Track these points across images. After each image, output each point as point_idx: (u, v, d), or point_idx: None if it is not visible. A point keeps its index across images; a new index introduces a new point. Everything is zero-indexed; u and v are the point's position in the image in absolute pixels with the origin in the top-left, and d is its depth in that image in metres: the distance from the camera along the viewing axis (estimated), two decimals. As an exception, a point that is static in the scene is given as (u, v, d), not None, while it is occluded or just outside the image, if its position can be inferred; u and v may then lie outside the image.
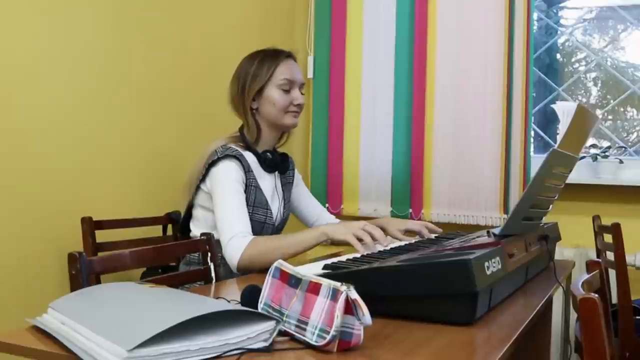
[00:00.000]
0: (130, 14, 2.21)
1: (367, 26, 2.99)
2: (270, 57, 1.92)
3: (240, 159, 1.83)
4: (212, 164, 1.82)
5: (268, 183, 1.94)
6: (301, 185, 2.17)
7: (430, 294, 1.13)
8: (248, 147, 1.91)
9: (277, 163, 1.95)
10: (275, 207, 1.95)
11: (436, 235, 2.03)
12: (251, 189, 1.85)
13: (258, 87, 1.89)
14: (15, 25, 1.83)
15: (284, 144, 2.06)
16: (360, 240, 1.64)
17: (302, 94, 1.96)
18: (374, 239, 1.66)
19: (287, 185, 2.06)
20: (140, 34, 2.25)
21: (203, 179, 1.85)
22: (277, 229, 1.99)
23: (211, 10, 2.60)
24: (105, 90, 2.13)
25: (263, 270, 1.40)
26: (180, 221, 2.02)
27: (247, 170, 1.84)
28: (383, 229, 2.05)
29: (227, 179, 1.80)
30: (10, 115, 1.82)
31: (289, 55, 1.95)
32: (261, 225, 1.88)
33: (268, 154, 1.93)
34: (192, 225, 1.93)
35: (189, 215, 1.95)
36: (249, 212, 1.82)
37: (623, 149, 2.85)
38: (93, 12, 2.07)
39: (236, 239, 1.70)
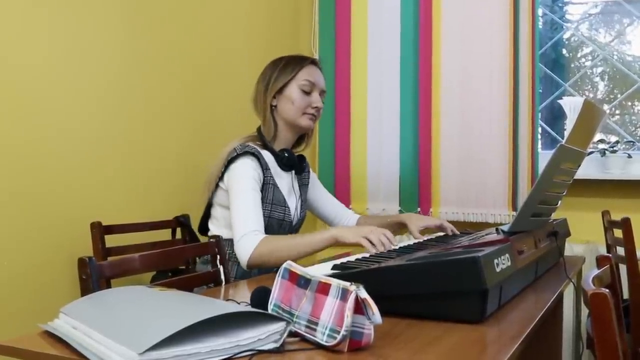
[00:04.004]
0: (139, 20, 2.22)
1: (371, 25, 2.99)
2: (295, 60, 1.98)
3: (258, 156, 1.86)
4: (230, 160, 1.85)
5: (285, 181, 1.97)
6: (317, 185, 2.19)
7: (440, 292, 1.13)
8: (265, 146, 1.93)
9: (294, 162, 1.97)
10: (293, 205, 1.98)
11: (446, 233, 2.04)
12: (269, 186, 1.88)
13: (280, 85, 1.94)
14: (25, 31, 1.84)
15: (302, 150, 2.09)
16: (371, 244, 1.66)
17: (322, 100, 1.99)
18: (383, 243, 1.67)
19: (303, 187, 2.09)
20: (148, 38, 2.26)
21: (222, 177, 1.87)
22: (295, 228, 2.01)
23: (217, 15, 2.60)
24: (113, 94, 2.13)
25: (273, 270, 1.40)
26: (198, 221, 2.03)
27: (264, 168, 1.87)
28: (404, 225, 2.08)
29: (244, 176, 1.82)
30: (19, 121, 1.83)
31: (313, 62, 2.00)
32: (279, 223, 1.90)
33: (285, 152, 1.95)
34: (211, 225, 1.95)
35: (207, 214, 1.97)
36: (267, 210, 1.86)
37: (631, 143, 2.84)
38: (102, 18, 2.07)
39: (248, 237, 1.72)
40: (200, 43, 2.52)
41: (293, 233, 2.01)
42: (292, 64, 1.96)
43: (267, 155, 1.91)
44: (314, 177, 2.18)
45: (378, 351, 0.96)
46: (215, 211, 1.93)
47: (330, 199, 2.23)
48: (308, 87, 1.94)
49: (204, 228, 1.99)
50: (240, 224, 1.74)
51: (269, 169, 1.89)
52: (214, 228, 1.93)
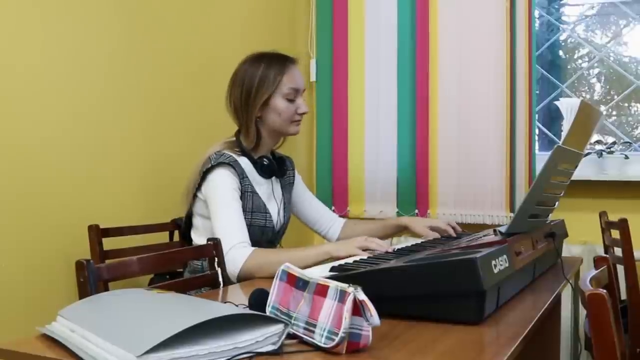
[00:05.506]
0: (136, 22, 2.22)
1: (368, 28, 2.99)
2: (275, 64, 1.89)
3: (234, 165, 1.81)
4: (206, 171, 1.81)
5: (264, 187, 1.93)
6: (300, 187, 2.14)
7: (438, 293, 1.13)
8: (244, 153, 1.88)
9: (274, 169, 1.92)
10: (274, 211, 1.94)
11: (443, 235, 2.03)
12: (247, 194, 1.84)
13: (265, 98, 1.86)
14: (20, 32, 1.84)
15: (280, 146, 2.05)
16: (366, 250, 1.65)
17: (304, 99, 1.94)
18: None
19: (287, 187, 2.05)
20: (145, 40, 2.26)
21: (199, 187, 1.84)
22: (278, 234, 1.98)
23: (214, 16, 2.60)
24: (110, 97, 2.13)
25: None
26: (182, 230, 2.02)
27: (241, 176, 1.83)
28: (405, 228, 2.07)
29: (222, 187, 1.79)
30: (15, 123, 1.83)
31: (293, 62, 1.93)
32: (261, 229, 1.87)
33: (264, 160, 1.90)
34: (193, 234, 1.93)
35: (189, 223, 1.94)
36: (248, 218, 1.82)
37: (628, 144, 2.84)
38: (100, 19, 2.07)
39: (236, 250, 1.69)
40: (198, 45, 2.52)
41: (277, 238, 1.98)
42: (272, 69, 1.87)
43: (244, 162, 1.86)
44: (298, 178, 2.13)
45: (376, 353, 0.96)
46: (196, 221, 1.90)
47: (313, 201, 2.17)
48: (293, 95, 1.88)
49: (187, 238, 1.96)
50: (227, 237, 1.70)
51: (247, 177, 1.84)
52: (196, 237, 1.90)
